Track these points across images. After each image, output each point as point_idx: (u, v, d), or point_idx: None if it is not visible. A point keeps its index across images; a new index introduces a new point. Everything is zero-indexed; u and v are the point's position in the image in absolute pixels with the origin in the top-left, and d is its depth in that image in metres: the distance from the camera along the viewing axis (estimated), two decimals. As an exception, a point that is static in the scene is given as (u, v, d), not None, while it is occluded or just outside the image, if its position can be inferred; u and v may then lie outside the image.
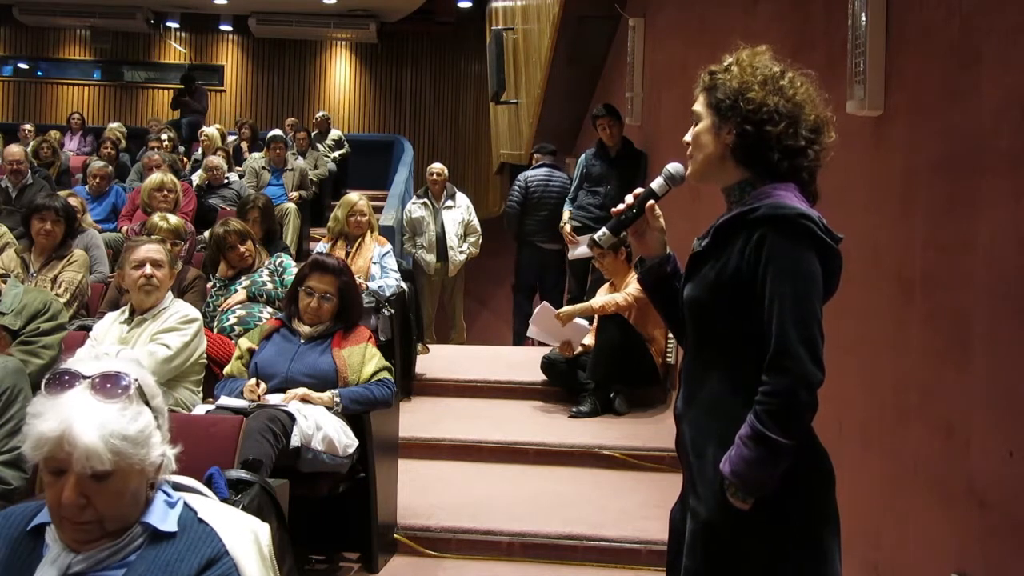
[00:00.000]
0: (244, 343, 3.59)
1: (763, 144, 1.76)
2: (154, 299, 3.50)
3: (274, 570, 1.54)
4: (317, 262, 3.65)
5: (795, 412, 1.65)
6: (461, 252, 7.52)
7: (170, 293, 3.61)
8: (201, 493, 1.60)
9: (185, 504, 1.52)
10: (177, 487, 1.56)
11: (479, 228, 7.68)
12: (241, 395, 3.30)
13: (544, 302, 5.32)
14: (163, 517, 1.47)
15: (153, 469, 1.46)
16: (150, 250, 3.52)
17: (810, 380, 1.64)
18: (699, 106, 1.85)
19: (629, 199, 1.91)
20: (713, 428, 1.74)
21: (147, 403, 1.47)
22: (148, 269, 3.47)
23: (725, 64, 1.84)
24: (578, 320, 5.28)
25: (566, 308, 5.29)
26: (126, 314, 3.55)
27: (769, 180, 1.77)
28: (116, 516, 1.43)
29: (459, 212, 7.57)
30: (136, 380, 1.46)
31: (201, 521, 1.49)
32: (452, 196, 7.56)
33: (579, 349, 5.34)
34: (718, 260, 1.76)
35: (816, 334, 1.66)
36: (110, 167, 7.60)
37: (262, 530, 1.54)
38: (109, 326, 3.54)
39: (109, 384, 1.44)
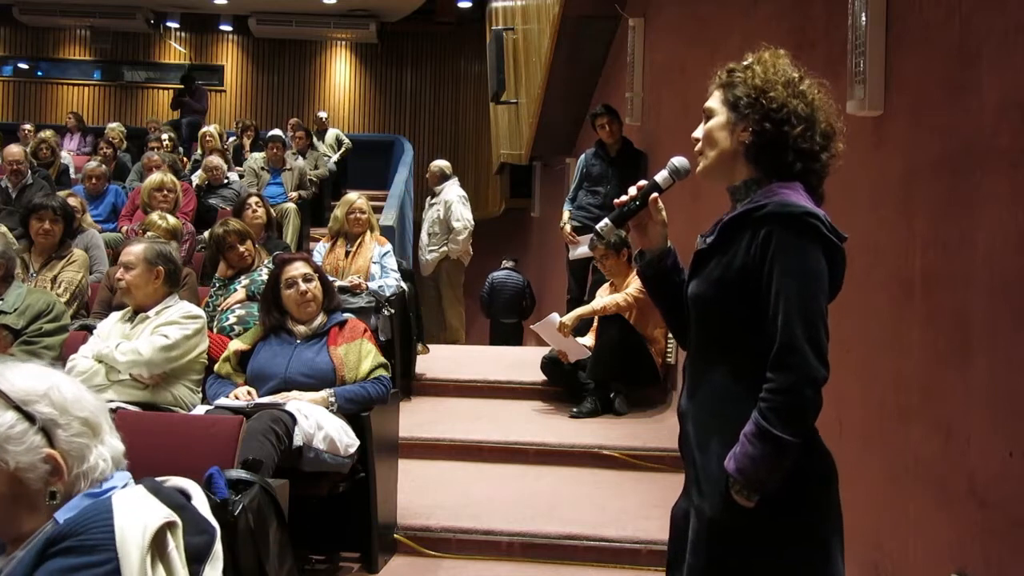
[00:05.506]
0: (235, 344, 3.59)
1: (779, 144, 1.76)
2: (135, 300, 3.53)
3: (168, 566, 1.41)
4: (280, 259, 3.71)
5: (800, 409, 1.65)
6: (430, 251, 7.46)
7: (176, 295, 3.63)
8: (183, 491, 1.54)
9: (108, 497, 1.43)
10: (160, 488, 1.49)
11: (464, 225, 7.33)
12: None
13: (554, 313, 5.34)
14: (67, 511, 1.42)
15: (35, 474, 1.39)
16: (124, 253, 3.56)
17: (815, 377, 1.65)
18: (714, 102, 1.84)
19: (632, 191, 1.89)
20: (717, 424, 1.74)
21: (18, 408, 1.39)
22: (119, 272, 3.53)
23: (746, 63, 1.83)
24: (579, 339, 5.32)
25: (568, 315, 5.29)
26: (129, 313, 3.58)
27: (776, 179, 1.77)
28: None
29: (434, 210, 7.49)
30: None
31: (106, 511, 1.40)
32: (435, 194, 7.53)
33: (574, 360, 5.35)
34: (724, 257, 1.76)
35: (821, 332, 1.66)
36: (104, 167, 7.53)
37: (152, 522, 1.41)
38: (112, 325, 3.56)
39: None
